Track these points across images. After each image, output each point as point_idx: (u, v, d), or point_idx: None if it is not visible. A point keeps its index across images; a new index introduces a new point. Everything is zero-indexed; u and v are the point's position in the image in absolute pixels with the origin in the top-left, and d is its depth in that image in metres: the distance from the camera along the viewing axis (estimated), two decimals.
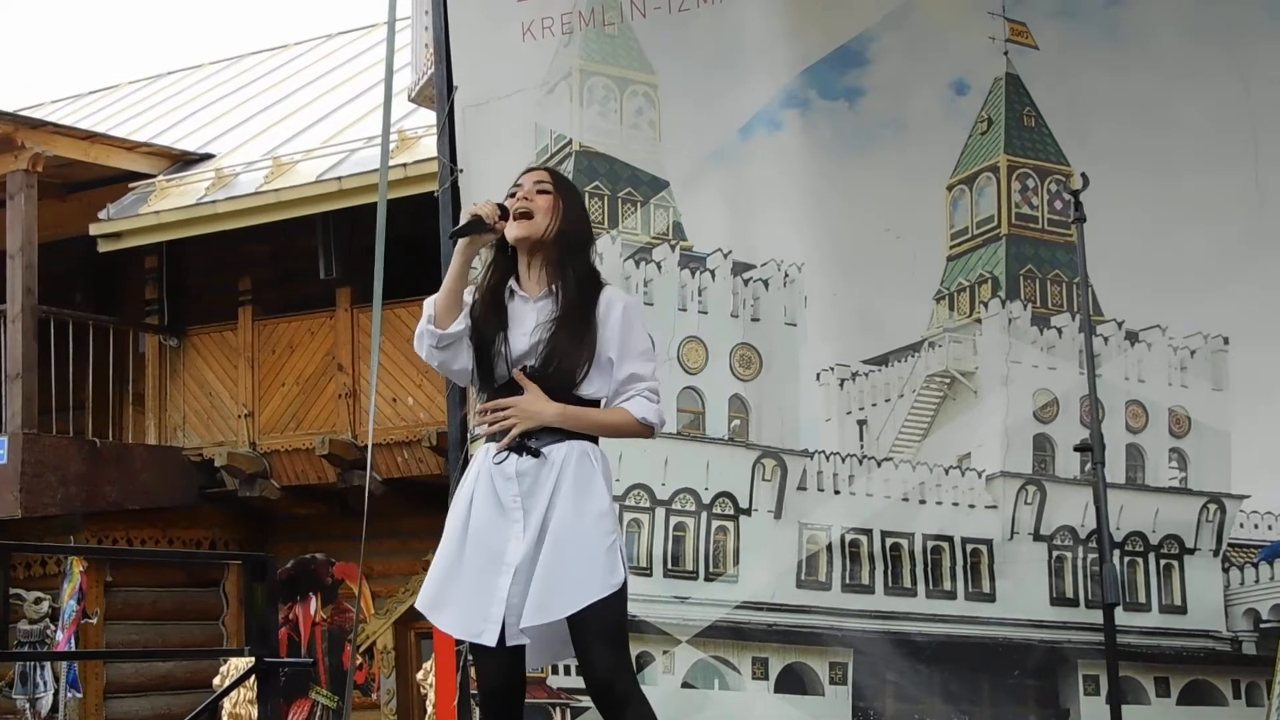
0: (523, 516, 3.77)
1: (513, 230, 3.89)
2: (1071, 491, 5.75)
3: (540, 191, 3.93)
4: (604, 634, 3.72)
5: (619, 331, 3.86)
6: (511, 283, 3.95)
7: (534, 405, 3.78)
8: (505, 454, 3.82)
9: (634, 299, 4.05)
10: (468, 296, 3.97)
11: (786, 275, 6.05)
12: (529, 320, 3.88)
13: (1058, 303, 5.90)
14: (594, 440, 3.88)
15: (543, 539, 3.74)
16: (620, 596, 3.76)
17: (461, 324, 3.89)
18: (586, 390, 3.84)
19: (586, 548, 3.73)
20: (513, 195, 3.94)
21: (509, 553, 3.76)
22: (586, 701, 5.80)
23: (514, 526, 3.78)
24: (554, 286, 3.89)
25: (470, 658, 5.99)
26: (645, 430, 3.86)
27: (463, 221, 3.95)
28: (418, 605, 3.94)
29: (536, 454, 3.79)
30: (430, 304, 3.92)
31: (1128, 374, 5.80)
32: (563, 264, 3.89)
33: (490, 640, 3.74)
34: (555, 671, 5.96)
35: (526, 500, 3.78)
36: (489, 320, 3.90)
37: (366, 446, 12.76)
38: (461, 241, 3.90)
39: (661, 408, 3.86)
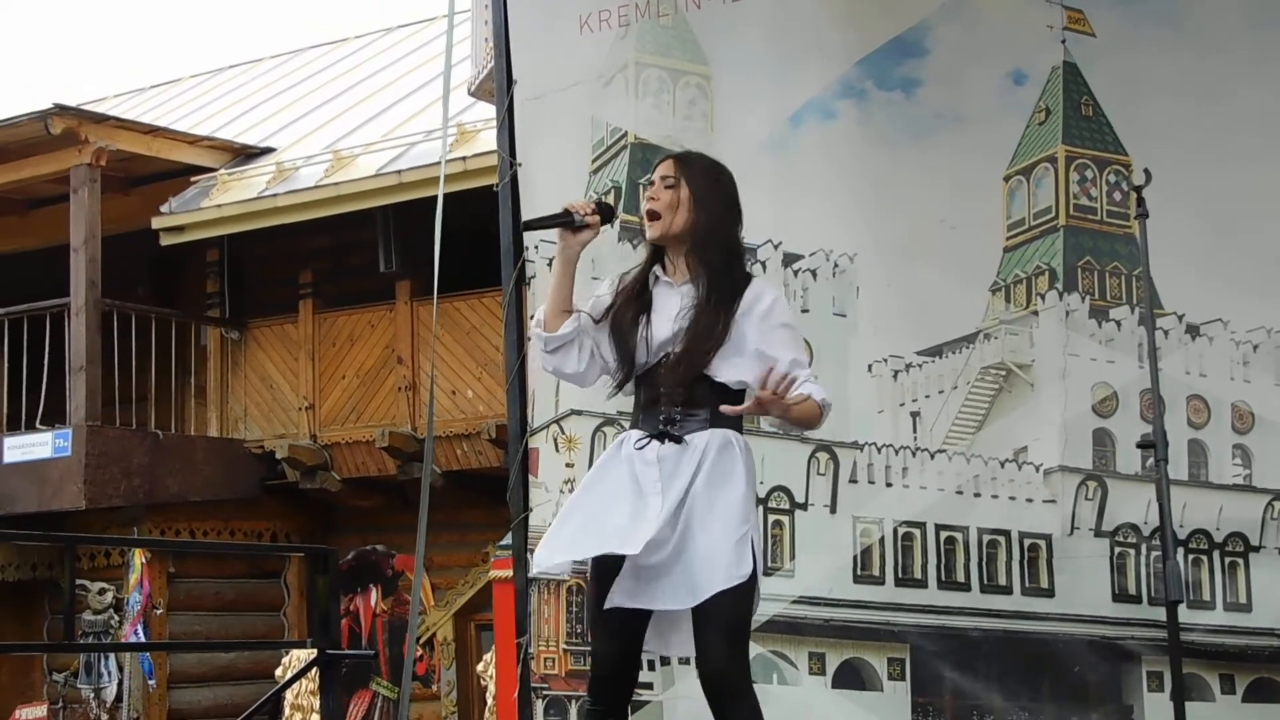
0: (660, 501, 3.75)
1: (647, 232, 3.92)
2: (1133, 487, 5.66)
3: (667, 187, 3.93)
4: (723, 625, 3.70)
5: (763, 321, 3.84)
6: (656, 269, 3.95)
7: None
8: (646, 439, 3.81)
9: (781, 294, 4.01)
10: (604, 289, 3.99)
11: (836, 265, 6.00)
12: (673, 306, 3.87)
13: (1116, 295, 5.81)
14: (739, 428, 3.86)
15: (677, 523, 3.72)
16: (745, 590, 3.72)
17: (570, 326, 3.91)
18: (722, 375, 3.81)
19: (718, 538, 3.70)
20: (653, 199, 3.94)
21: (649, 509, 3.72)
22: (645, 695, 5.80)
23: (649, 509, 3.74)
24: (695, 275, 3.87)
25: (531, 651, 6.02)
26: (823, 413, 3.82)
27: (552, 213, 3.93)
28: (536, 561, 3.90)
29: (679, 440, 3.78)
30: (540, 310, 3.95)
31: (1189, 368, 5.71)
32: (701, 254, 3.87)
33: (635, 549, 3.68)
34: None
35: (666, 485, 3.76)
36: (630, 306, 3.91)
37: (425, 439, 12.83)
38: (561, 242, 3.89)
39: (823, 396, 3.83)
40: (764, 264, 6.01)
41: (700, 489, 3.74)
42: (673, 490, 3.75)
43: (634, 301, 3.92)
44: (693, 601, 3.70)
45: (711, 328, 3.79)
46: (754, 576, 3.75)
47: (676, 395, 3.82)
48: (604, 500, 3.81)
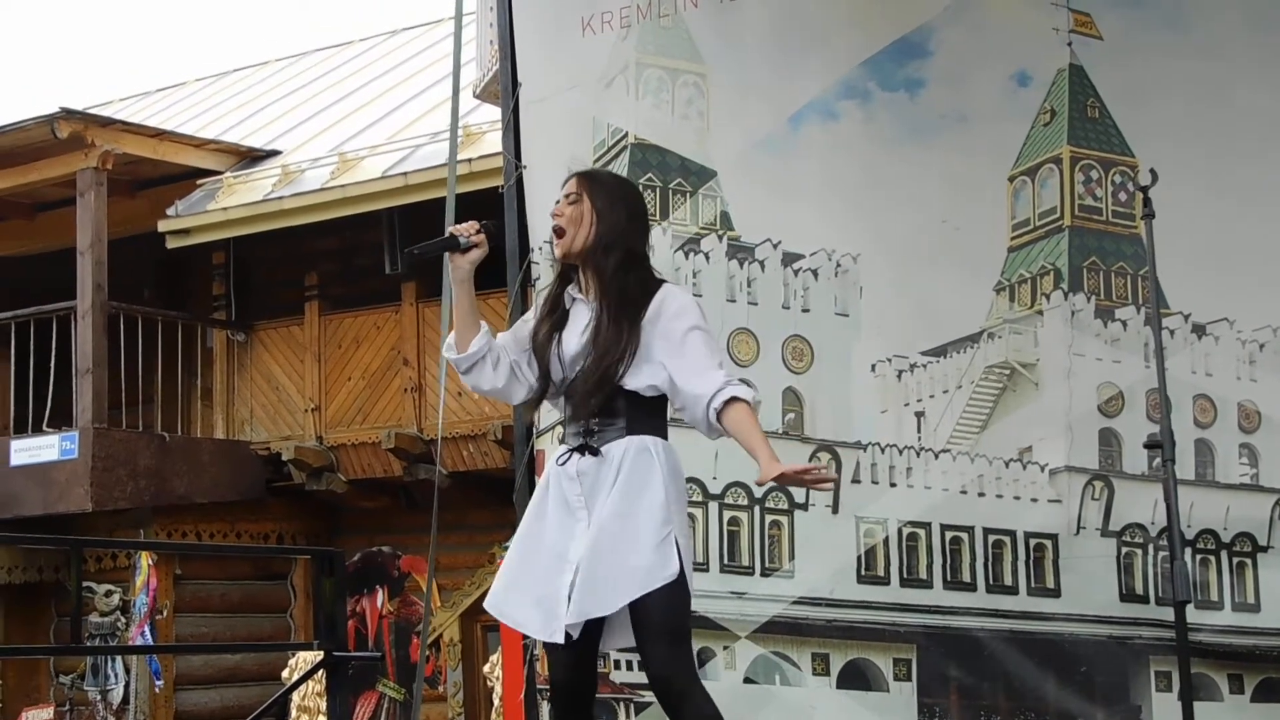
0: (586, 515, 3.81)
1: (555, 249, 3.96)
2: (1140, 487, 5.66)
3: (570, 203, 3.96)
4: (660, 629, 3.73)
5: (669, 325, 3.85)
6: (570, 289, 4.00)
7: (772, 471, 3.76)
8: (568, 455, 3.87)
9: (690, 298, 4.01)
10: (531, 314, 4.07)
11: (838, 265, 6.00)
12: (582, 321, 3.92)
13: (1122, 295, 5.81)
14: (659, 434, 3.89)
15: (600, 535, 3.76)
16: (675, 590, 3.75)
17: (479, 343, 3.96)
18: (632, 383, 3.85)
19: (635, 542, 3.74)
20: (559, 215, 3.98)
21: (571, 550, 3.79)
22: (650, 696, 5.80)
23: (578, 525, 3.82)
24: (600, 287, 3.91)
25: (537, 653, 6.03)
26: (754, 409, 3.83)
27: (434, 240, 4.01)
28: (487, 606, 3.98)
29: (596, 452, 3.83)
30: (450, 335, 4.01)
31: (1195, 368, 5.71)
32: (603, 265, 3.90)
33: (558, 638, 3.77)
34: (619, 667, 5.96)
35: (589, 499, 3.82)
36: (544, 324, 3.97)
37: (432, 440, 12.83)
38: (451, 264, 3.95)
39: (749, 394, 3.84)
40: (762, 263, 6.01)
41: (614, 498, 3.77)
42: (596, 507, 3.80)
43: (547, 320, 3.97)
44: (614, 607, 3.73)
45: (617, 339, 3.82)
46: (682, 575, 3.76)
47: (592, 407, 3.85)
48: (540, 555, 3.86)
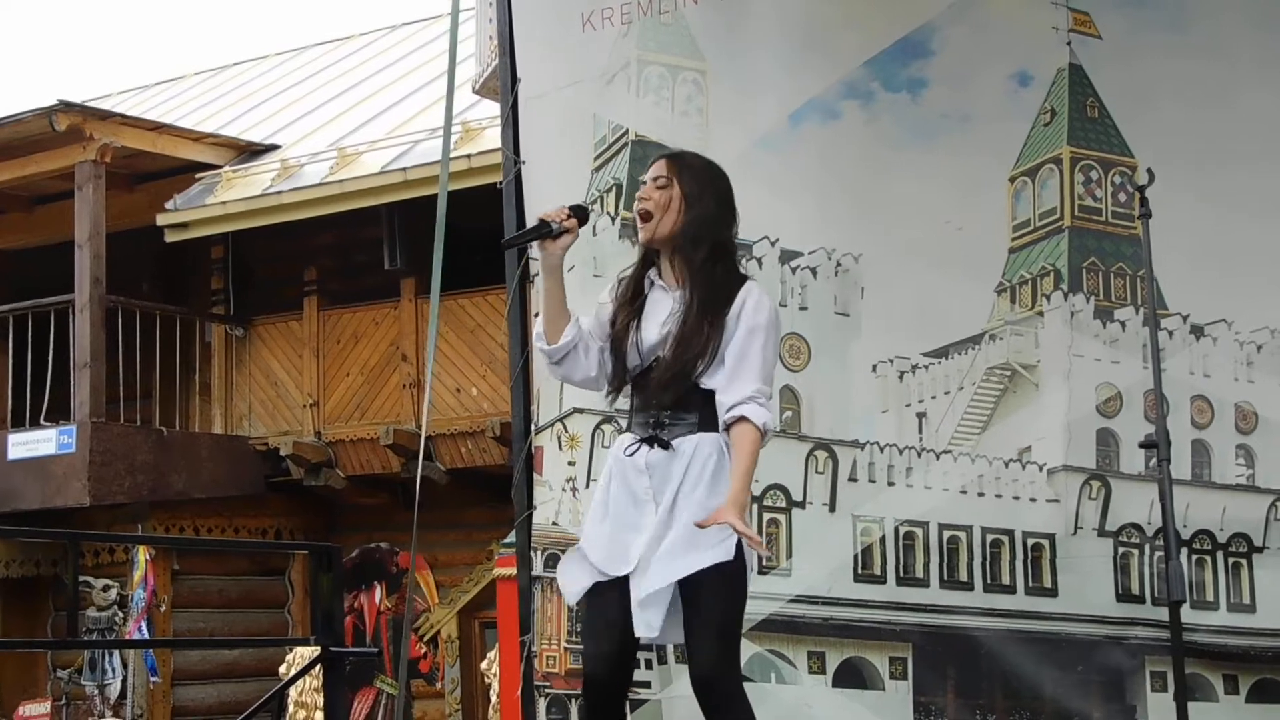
0: (654, 508, 3.76)
1: (640, 233, 3.87)
2: (1137, 487, 5.66)
3: (659, 187, 3.87)
4: (713, 624, 3.68)
5: (738, 324, 3.79)
6: (651, 273, 3.92)
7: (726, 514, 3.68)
8: (637, 445, 3.81)
9: (764, 296, 3.90)
10: (605, 296, 3.97)
11: (839, 264, 6.00)
12: (663, 311, 3.85)
13: (1121, 296, 5.81)
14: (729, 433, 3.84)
15: (667, 527, 3.72)
16: (734, 584, 3.71)
17: (570, 333, 3.88)
18: (708, 383, 3.79)
19: (704, 531, 3.67)
20: (645, 199, 3.88)
21: (633, 547, 3.75)
22: (645, 694, 5.80)
23: (646, 517, 3.77)
24: (686, 278, 3.84)
25: (534, 649, 6.03)
26: (763, 437, 3.76)
27: (528, 227, 3.91)
28: (567, 600, 3.99)
29: (667, 446, 3.78)
30: (539, 322, 3.93)
31: (1193, 369, 5.72)
32: (691, 256, 3.83)
33: (629, 568, 3.72)
34: None
35: (658, 493, 3.77)
36: (623, 311, 3.89)
37: (430, 438, 12.83)
38: (542, 252, 3.85)
39: (771, 413, 3.79)
40: (760, 260, 6.01)
41: (688, 493, 3.74)
42: (665, 500, 3.75)
43: (627, 306, 3.89)
44: (681, 573, 3.67)
45: (697, 334, 3.76)
46: (743, 570, 3.74)
47: (665, 400, 3.80)
48: (604, 544, 3.82)
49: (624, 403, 3.98)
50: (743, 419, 3.73)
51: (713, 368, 3.78)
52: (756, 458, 3.75)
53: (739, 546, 3.71)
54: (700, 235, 3.83)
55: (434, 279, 5.94)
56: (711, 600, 3.68)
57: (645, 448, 3.80)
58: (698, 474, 3.75)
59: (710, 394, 3.79)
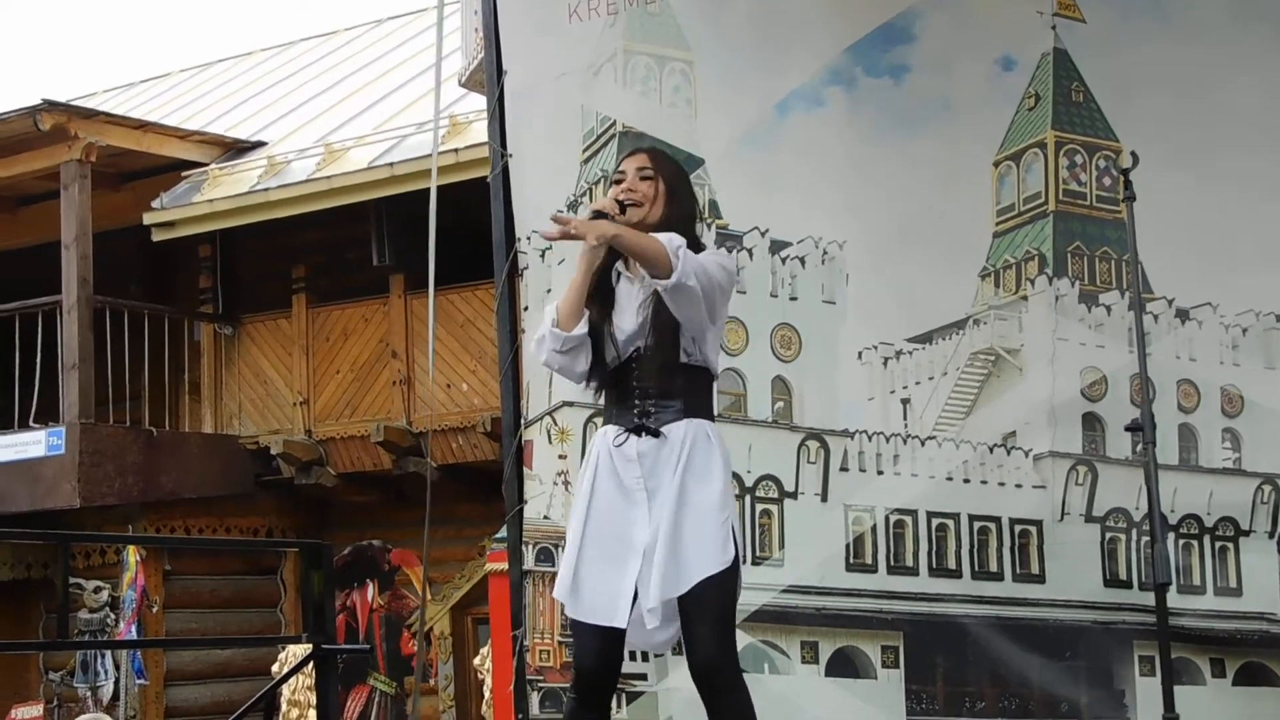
0: (647, 499, 3.81)
1: (633, 216, 3.91)
2: (1124, 472, 5.67)
3: (644, 178, 3.96)
4: (712, 616, 3.75)
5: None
6: (619, 265, 3.97)
7: (596, 223, 3.77)
8: (625, 435, 3.85)
9: (721, 251, 4.06)
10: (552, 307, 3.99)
11: (825, 253, 5.99)
12: (636, 299, 3.90)
13: (1106, 280, 5.81)
14: (711, 418, 3.92)
15: (662, 518, 3.76)
16: (730, 577, 3.78)
17: (585, 327, 3.90)
18: (698, 360, 3.87)
19: (705, 526, 3.76)
20: (617, 182, 3.97)
21: (636, 537, 3.80)
22: (640, 686, 5.80)
23: (638, 509, 3.82)
24: None
25: (526, 644, 6.02)
26: (668, 265, 3.73)
27: (587, 217, 3.92)
28: (556, 595, 3.97)
29: (656, 434, 3.83)
30: (553, 308, 3.95)
31: (1178, 353, 5.72)
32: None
33: (622, 623, 3.79)
34: None
35: (649, 481, 3.82)
36: (593, 306, 3.92)
37: (421, 433, 12.82)
38: (584, 244, 3.87)
39: (692, 265, 3.76)
40: (750, 251, 6.00)
41: (682, 482, 3.78)
42: (659, 489, 3.80)
43: (598, 301, 3.93)
44: (684, 588, 3.74)
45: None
46: (736, 563, 3.80)
47: (650, 388, 3.86)
48: (599, 540, 3.85)
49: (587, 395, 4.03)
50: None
51: (698, 344, 3.84)
52: (649, 246, 3.74)
53: (735, 544, 3.78)
54: (680, 228, 3.90)
55: (429, 279, 5.94)
56: (711, 595, 3.74)
57: (634, 437, 3.84)
58: (688, 463, 3.80)
59: (693, 379, 3.86)
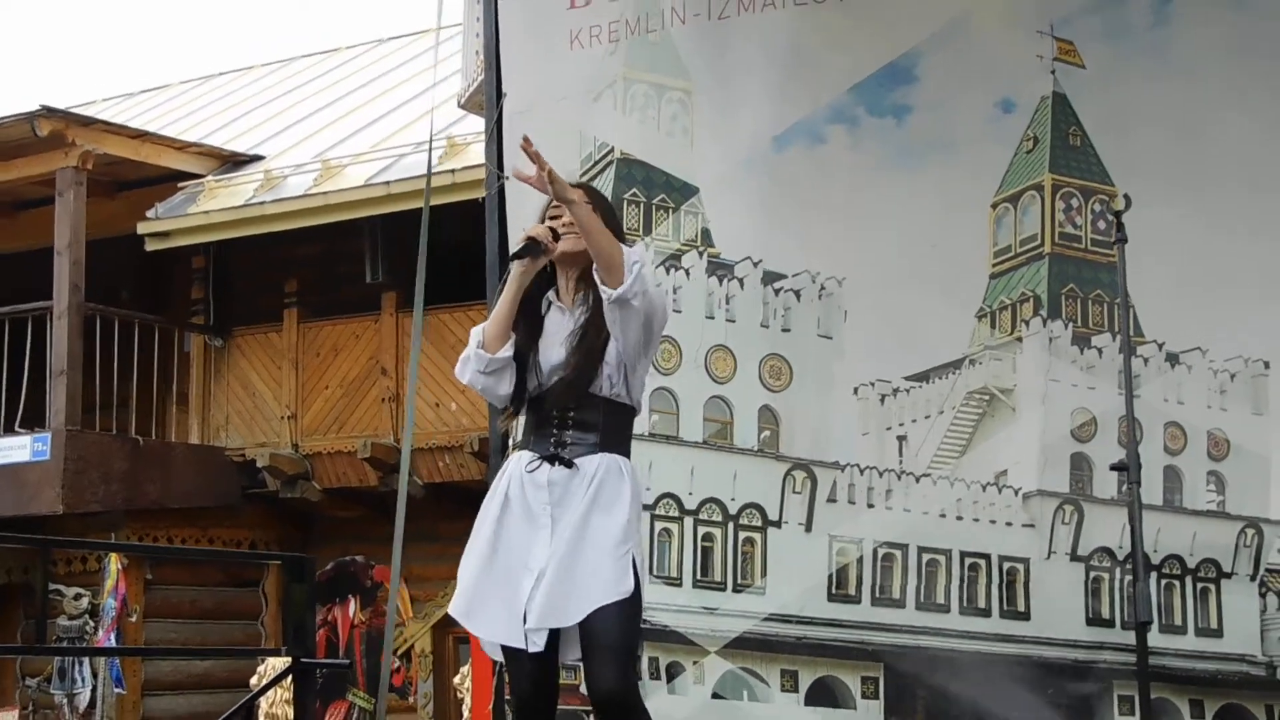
0: (550, 524, 3.82)
1: (564, 245, 3.91)
2: (1109, 512, 5.72)
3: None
4: (610, 647, 3.75)
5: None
6: (550, 295, 4.00)
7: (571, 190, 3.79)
8: (538, 463, 3.87)
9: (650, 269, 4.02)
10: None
11: (822, 288, 6.05)
12: (565, 329, 3.93)
13: (1099, 323, 5.87)
14: (627, 454, 3.93)
15: (562, 547, 3.78)
16: (629, 608, 3.78)
17: (510, 350, 3.93)
18: (620, 395, 3.90)
19: (602, 557, 3.77)
20: (555, 217, 3.96)
21: (533, 559, 3.82)
22: None
23: (541, 533, 3.83)
24: (586, 297, 3.93)
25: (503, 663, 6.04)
26: (621, 274, 3.76)
27: (520, 245, 3.95)
28: (451, 612, 4.00)
29: (570, 464, 3.85)
30: (479, 330, 3.98)
31: (1167, 396, 5.77)
32: (597, 277, 3.89)
33: (519, 642, 3.79)
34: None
35: (556, 509, 3.83)
36: (520, 331, 3.95)
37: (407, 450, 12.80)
38: (516, 267, 3.91)
39: (642, 285, 3.81)
40: (742, 281, 6.05)
41: (586, 513, 3.80)
42: (563, 516, 3.81)
43: (525, 329, 3.96)
44: (575, 617, 3.75)
45: (602, 349, 3.86)
46: (637, 595, 3.80)
47: (568, 419, 3.89)
48: (501, 560, 3.87)
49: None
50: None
51: (622, 379, 3.87)
52: (610, 245, 3.77)
53: (635, 576, 3.79)
54: None
55: (417, 291, 5.96)
56: (610, 627, 3.75)
57: (547, 465, 3.86)
58: (597, 495, 3.81)
59: (612, 413, 3.89)
